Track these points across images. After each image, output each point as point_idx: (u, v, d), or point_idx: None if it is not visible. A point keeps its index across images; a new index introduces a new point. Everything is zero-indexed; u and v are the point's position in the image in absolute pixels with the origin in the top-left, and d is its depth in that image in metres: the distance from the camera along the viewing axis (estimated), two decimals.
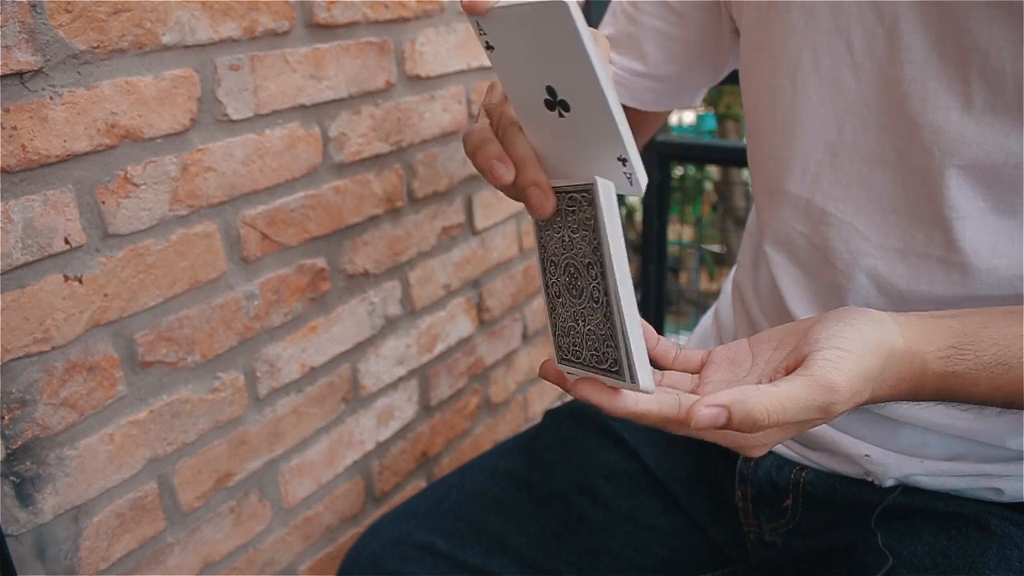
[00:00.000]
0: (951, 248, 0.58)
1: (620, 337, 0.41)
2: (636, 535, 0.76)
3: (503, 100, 0.46)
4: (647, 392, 0.42)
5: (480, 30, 0.40)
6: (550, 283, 0.46)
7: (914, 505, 0.64)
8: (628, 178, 0.40)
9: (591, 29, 0.41)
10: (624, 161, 0.40)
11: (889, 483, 0.65)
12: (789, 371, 0.45)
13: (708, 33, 0.73)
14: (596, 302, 0.42)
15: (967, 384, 0.49)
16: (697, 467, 0.77)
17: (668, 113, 0.82)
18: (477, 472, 0.82)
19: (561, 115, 0.40)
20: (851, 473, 0.67)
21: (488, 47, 0.41)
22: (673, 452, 0.77)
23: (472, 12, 0.39)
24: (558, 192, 0.43)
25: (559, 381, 0.47)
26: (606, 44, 0.46)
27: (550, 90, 0.40)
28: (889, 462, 0.64)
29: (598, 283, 0.42)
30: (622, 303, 0.41)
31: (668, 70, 0.76)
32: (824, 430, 0.66)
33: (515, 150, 0.44)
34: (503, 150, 0.44)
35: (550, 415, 0.85)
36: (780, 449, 0.70)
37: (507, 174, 0.43)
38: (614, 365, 0.42)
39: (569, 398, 1.57)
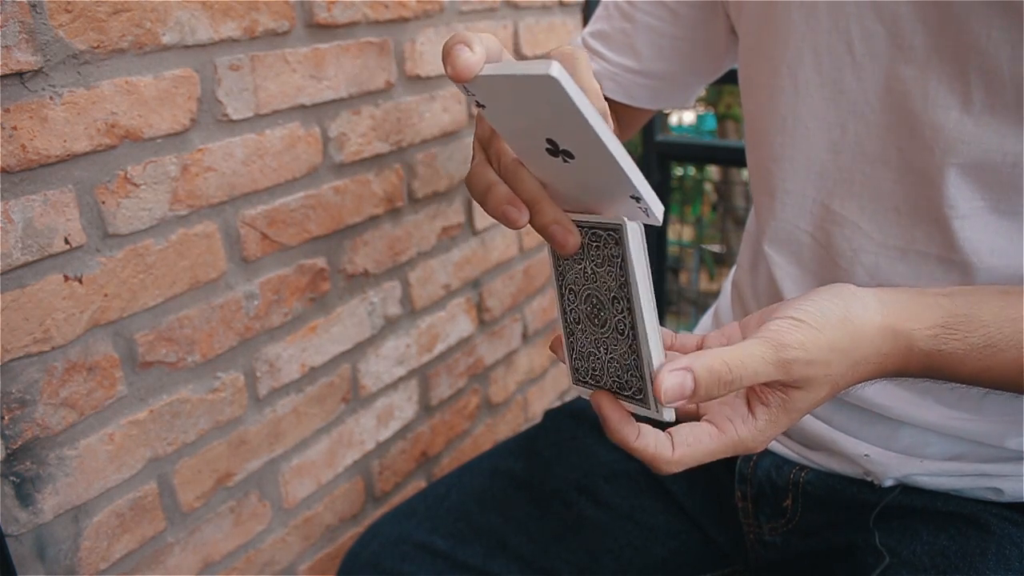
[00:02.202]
0: (950, 247, 0.58)
1: (646, 368, 0.41)
2: (636, 535, 0.76)
3: (495, 134, 0.45)
4: (667, 420, 0.43)
5: (468, 92, 0.40)
6: (568, 309, 0.46)
7: (913, 505, 0.64)
8: (644, 211, 0.40)
9: (585, 74, 0.40)
10: (638, 199, 0.40)
11: (889, 483, 0.65)
12: None
13: (703, 32, 0.73)
14: (621, 334, 0.42)
15: (954, 363, 0.48)
16: (697, 467, 0.77)
17: (657, 110, 0.83)
18: (477, 472, 0.82)
19: (566, 161, 0.40)
20: (850, 473, 0.67)
21: (479, 105, 0.41)
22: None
23: (458, 80, 0.38)
24: (580, 227, 0.43)
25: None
26: (594, 87, 0.43)
27: (551, 141, 0.39)
28: (889, 462, 0.64)
29: (624, 316, 0.42)
30: (649, 338, 0.41)
31: (661, 67, 0.76)
32: (823, 430, 0.66)
33: (524, 189, 0.43)
34: (511, 191, 0.43)
35: (550, 415, 0.85)
36: (779, 449, 0.70)
37: (521, 218, 0.43)
38: (638, 393, 0.43)
39: (569, 398, 1.57)
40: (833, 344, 0.44)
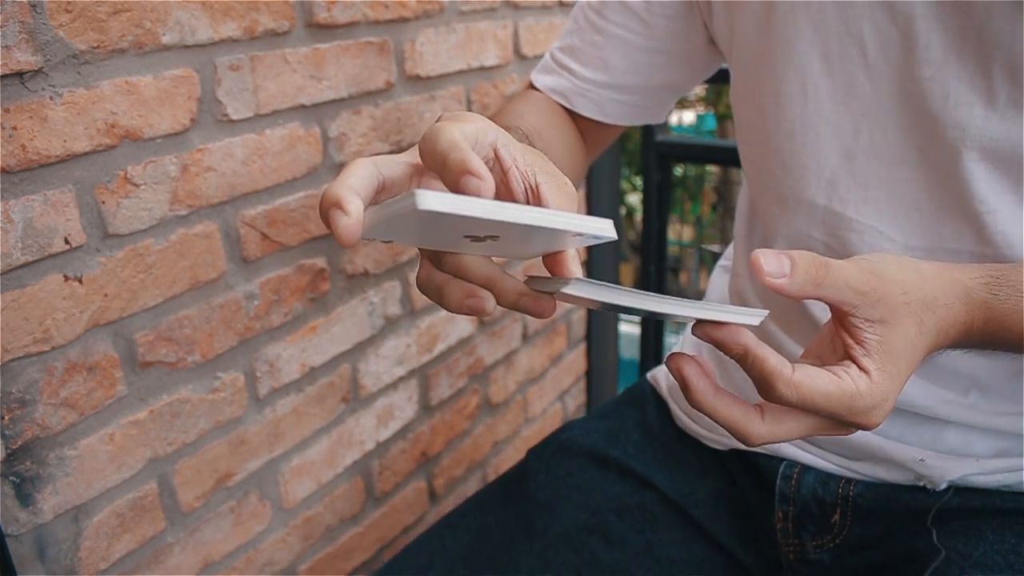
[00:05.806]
0: (983, 242, 0.58)
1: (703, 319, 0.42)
2: (656, 571, 0.71)
3: None
4: (758, 318, 0.42)
5: (370, 239, 0.39)
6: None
7: (970, 505, 0.63)
8: (594, 237, 0.39)
9: (453, 135, 0.39)
10: (579, 235, 0.39)
11: (943, 486, 0.63)
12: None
13: (678, 44, 0.71)
14: (660, 317, 0.43)
15: (1010, 312, 0.48)
16: (720, 488, 0.73)
17: (630, 126, 0.80)
18: (459, 531, 0.74)
19: (495, 240, 0.39)
20: (902, 480, 0.65)
21: (387, 242, 0.41)
22: (690, 475, 0.74)
23: (347, 247, 0.38)
24: (541, 291, 0.42)
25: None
26: (456, 141, 0.39)
27: (469, 236, 0.38)
28: (944, 464, 0.63)
29: (646, 314, 0.42)
30: (674, 314, 0.41)
31: (634, 81, 0.73)
32: (869, 438, 0.65)
33: (476, 276, 0.41)
34: (465, 285, 0.42)
35: (534, 453, 0.78)
36: (822, 464, 0.68)
37: (487, 304, 0.41)
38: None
39: (570, 398, 1.57)
40: (901, 269, 0.46)
